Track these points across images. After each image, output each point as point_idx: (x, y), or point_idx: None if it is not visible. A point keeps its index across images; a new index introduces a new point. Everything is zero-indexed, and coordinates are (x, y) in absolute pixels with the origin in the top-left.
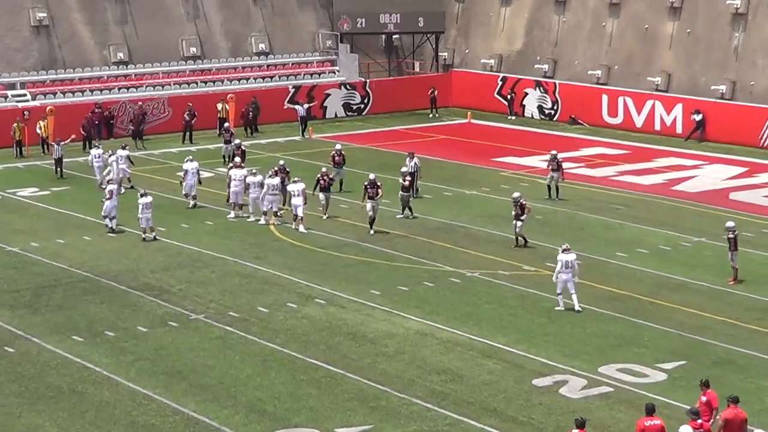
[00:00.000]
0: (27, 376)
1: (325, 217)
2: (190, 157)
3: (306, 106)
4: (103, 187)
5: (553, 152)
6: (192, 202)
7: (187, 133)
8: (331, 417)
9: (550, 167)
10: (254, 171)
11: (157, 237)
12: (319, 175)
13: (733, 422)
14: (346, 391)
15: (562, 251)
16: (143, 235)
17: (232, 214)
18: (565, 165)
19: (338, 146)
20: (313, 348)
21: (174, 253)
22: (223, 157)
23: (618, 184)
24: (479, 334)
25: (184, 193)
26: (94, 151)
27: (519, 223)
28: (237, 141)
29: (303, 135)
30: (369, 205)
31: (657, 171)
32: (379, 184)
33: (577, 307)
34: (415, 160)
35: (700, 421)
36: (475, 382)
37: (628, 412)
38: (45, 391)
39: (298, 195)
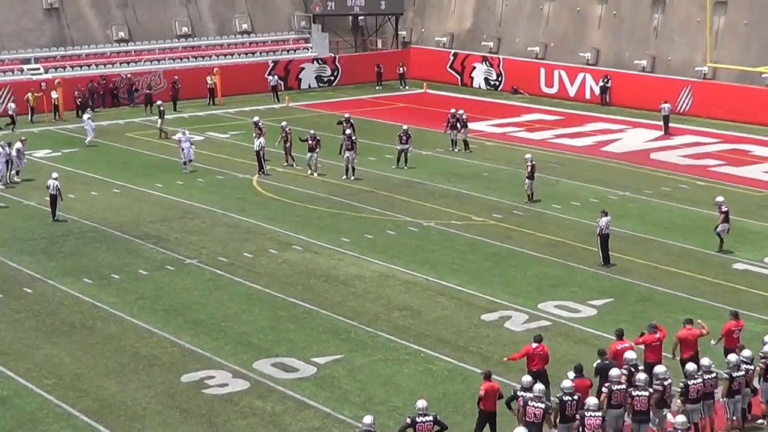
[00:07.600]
0: (44, 313)
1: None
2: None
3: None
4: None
5: (528, 156)
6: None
7: (149, 104)
8: (308, 348)
9: (527, 173)
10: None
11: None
12: (307, 137)
13: (686, 340)
14: (321, 326)
15: None
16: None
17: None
18: (507, 130)
19: (404, 126)
20: (291, 288)
21: (170, 206)
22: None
23: (554, 146)
24: (435, 276)
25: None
26: (85, 116)
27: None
28: (255, 118)
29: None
30: None
31: (588, 134)
32: None
33: None
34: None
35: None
36: (431, 318)
37: (564, 343)
38: (60, 326)
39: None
